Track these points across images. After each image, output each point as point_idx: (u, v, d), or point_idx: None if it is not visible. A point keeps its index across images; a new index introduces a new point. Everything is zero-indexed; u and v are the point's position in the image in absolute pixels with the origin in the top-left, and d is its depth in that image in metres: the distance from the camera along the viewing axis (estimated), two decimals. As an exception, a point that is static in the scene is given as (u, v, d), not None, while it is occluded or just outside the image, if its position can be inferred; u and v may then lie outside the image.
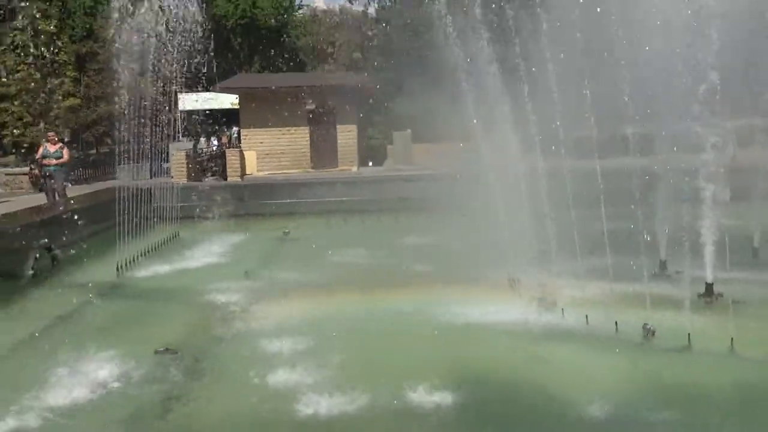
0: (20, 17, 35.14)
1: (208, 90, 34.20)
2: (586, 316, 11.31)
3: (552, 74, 14.93)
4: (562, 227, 15.03)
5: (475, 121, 16.01)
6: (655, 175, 13.78)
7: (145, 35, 22.00)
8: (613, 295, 12.19)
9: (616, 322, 10.81)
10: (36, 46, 35.75)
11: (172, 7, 22.81)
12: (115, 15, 23.02)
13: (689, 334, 9.90)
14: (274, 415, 8.55)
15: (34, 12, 35.33)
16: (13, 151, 36.99)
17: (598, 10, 13.23)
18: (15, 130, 35.72)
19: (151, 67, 22.21)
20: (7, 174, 29.41)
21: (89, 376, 9.79)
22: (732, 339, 9.60)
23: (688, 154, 12.82)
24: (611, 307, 11.44)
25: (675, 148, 13.42)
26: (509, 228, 15.33)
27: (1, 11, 33.85)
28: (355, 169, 34.40)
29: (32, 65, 36.04)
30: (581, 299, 12.01)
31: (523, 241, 15.05)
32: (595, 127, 14.20)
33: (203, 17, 26.28)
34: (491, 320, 11.99)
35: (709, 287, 11.93)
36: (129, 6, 22.50)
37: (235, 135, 35.54)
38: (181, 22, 23.42)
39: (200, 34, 25.06)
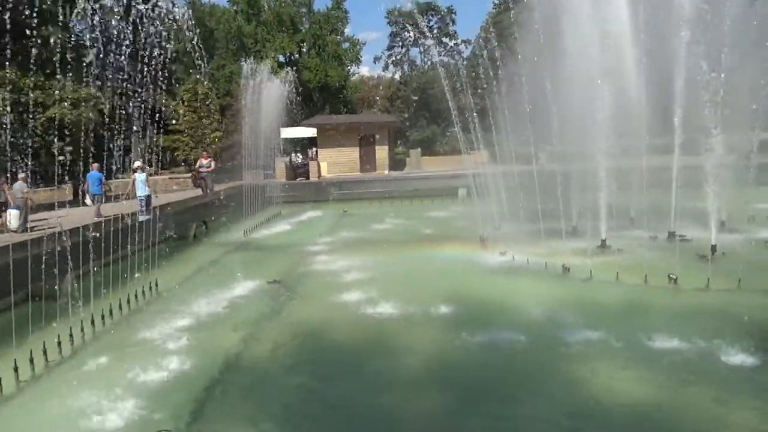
0: (186, 83, 35.49)
1: (298, 125, 34.39)
2: (527, 260, 11.25)
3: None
4: (514, 205, 15.02)
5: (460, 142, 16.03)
6: (576, 173, 13.54)
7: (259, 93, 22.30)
8: (545, 247, 12.14)
9: (545, 263, 10.76)
10: (196, 100, 36.06)
11: (275, 77, 23.05)
12: (243, 82, 23.41)
13: (591, 270, 9.86)
14: (342, 315, 8.78)
15: (194, 79, 35.76)
16: (183, 163, 37.42)
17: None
18: (184, 151, 36.25)
19: (263, 112, 22.46)
20: (179, 178, 29.80)
21: (229, 293, 10.05)
22: (617, 273, 9.54)
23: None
24: (543, 254, 11.39)
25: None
26: (481, 207, 15.34)
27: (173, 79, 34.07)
28: (386, 172, 34.35)
29: (193, 112, 36.40)
30: (524, 249, 11.91)
31: (488, 215, 15.06)
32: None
33: (296, 82, 26.52)
34: (470, 263, 11.95)
35: (603, 241, 11.82)
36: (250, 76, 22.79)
37: (315, 152, 35.65)
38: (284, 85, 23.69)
39: (294, 92, 25.33)
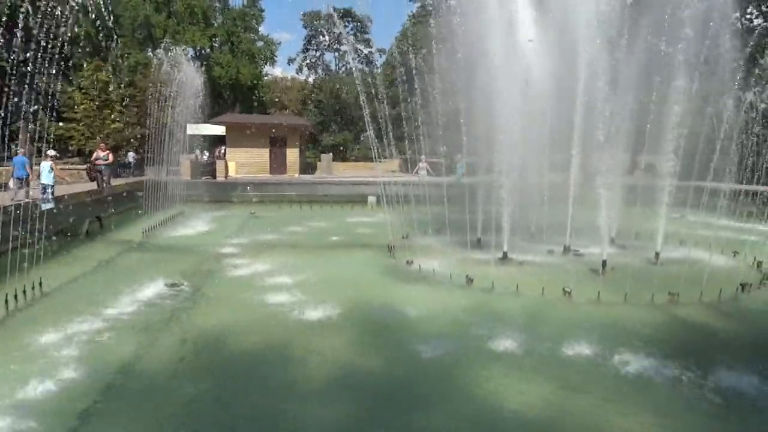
0: (84, 69, 33.26)
1: (206, 122, 33.16)
2: (433, 270, 11.41)
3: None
4: (422, 215, 15.27)
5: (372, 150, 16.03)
6: (482, 186, 13.92)
7: (167, 87, 21.24)
8: (450, 257, 12.40)
9: (450, 274, 10.97)
10: (95, 89, 33.86)
11: (184, 71, 22.07)
12: (153, 70, 22.21)
13: (493, 281, 10.16)
14: (246, 320, 8.35)
15: (95, 66, 33.58)
16: (77, 154, 35.03)
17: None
18: (79, 141, 33.82)
19: (170, 106, 21.39)
20: (73, 169, 27.75)
21: (124, 296, 9.38)
22: (517, 285, 9.90)
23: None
24: (448, 265, 11.60)
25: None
26: (390, 215, 15.44)
27: (71, 63, 31.78)
28: (297, 175, 33.93)
29: (91, 101, 34.11)
30: (430, 259, 12.11)
31: (396, 224, 15.18)
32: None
33: (205, 77, 25.53)
34: (377, 270, 11.97)
35: (505, 254, 12.24)
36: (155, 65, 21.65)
37: (223, 151, 34.54)
38: (191, 79, 22.68)
39: (202, 88, 24.36)
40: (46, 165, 17.12)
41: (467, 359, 6.87)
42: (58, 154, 17.20)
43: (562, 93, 12.77)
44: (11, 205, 11.96)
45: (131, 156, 33.55)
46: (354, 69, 36.42)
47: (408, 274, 11.52)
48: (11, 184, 17.23)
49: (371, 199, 23.93)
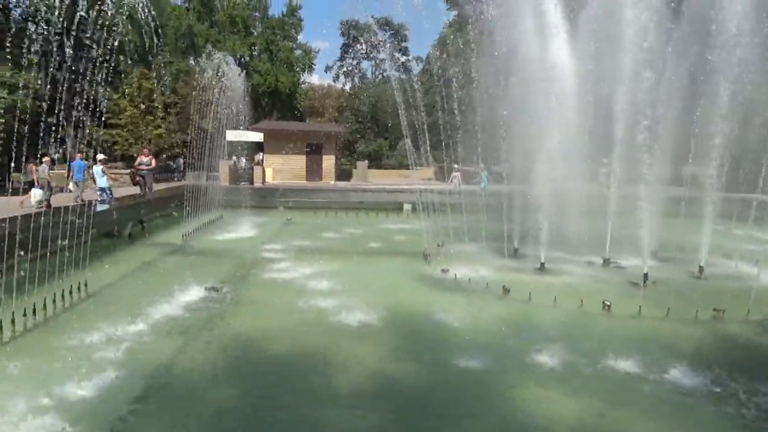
0: (131, 76, 34.31)
1: (244, 129, 33.76)
2: (468, 279, 11.33)
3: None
4: (458, 223, 15.17)
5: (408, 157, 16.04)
6: (519, 195, 13.77)
7: (207, 94, 21.68)
8: (486, 266, 12.29)
9: (486, 283, 10.86)
10: (139, 96, 34.87)
11: (225, 78, 22.49)
12: (197, 77, 22.76)
13: (530, 292, 10.01)
14: (282, 324, 8.42)
15: (140, 73, 34.59)
16: (121, 159, 36.09)
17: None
18: (123, 147, 34.83)
19: (210, 113, 21.82)
20: (116, 173, 28.56)
21: (163, 298, 9.55)
22: (555, 296, 9.74)
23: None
24: (484, 274, 11.50)
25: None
26: (426, 223, 15.40)
27: (118, 71, 32.74)
28: (332, 182, 34.18)
29: (136, 107, 35.12)
30: (466, 268, 12.02)
31: (432, 232, 15.12)
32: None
33: (245, 85, 25.97)
34: (412, 278, 11.93)
35: (542, 264, 12.07)
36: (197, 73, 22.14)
37: (261, 158, 35.06)
38: (231, 87, 23.10)
39: (242, 95, 24.78)
40: (98, 169, 18.13)
41: (505, 371, 6.78)
42: (107, 158, 18.16)
43: (602, 102, 12.55)
44: (60, 208, 12.37)
45: (180, 161, 34.64)
46: (391, 77, 36.56)
47: (443, 283, 11.46)
48: (71, 187, 18.27)
49: (407, 206, 23.91)
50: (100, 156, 19.26)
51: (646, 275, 11.07)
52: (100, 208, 15.79)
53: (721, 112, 11.49)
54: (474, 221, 13.88)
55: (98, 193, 17.98)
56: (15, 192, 16.76)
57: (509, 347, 7.56)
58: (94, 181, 18.58)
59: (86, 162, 18.99)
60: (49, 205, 14.33)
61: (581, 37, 13.07)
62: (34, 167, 16.34)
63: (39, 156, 16.73)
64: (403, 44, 58.31)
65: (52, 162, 19.43)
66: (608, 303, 9.26)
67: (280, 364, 7.06)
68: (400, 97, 16.42)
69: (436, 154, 18.96)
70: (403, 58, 54.53)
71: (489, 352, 7.37)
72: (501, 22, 12.96)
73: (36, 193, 15.58)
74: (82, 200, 16.28)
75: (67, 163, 21.77)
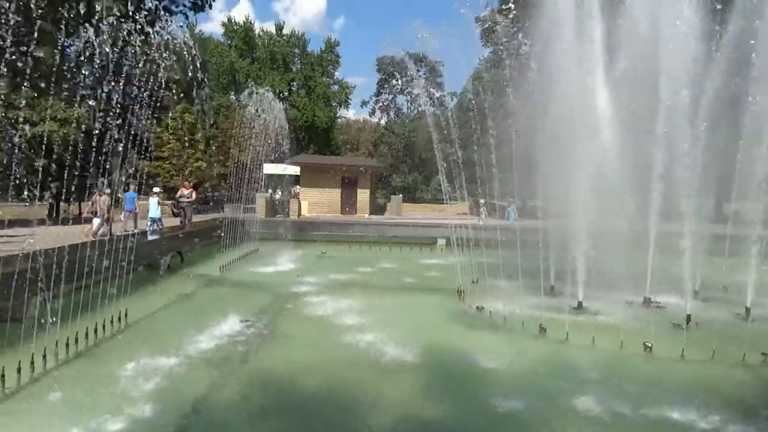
0: (174, 111, 35.53)
1: (282, 162, 34.46)
2: (504, 317, 11.14)
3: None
4: (493, 259, 14.99)
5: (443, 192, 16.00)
6: (555, 231, 13.57)
7: (247, 128, 22.28)
8: (522, 304, 12.07)
9: (522, 322, 10.66)
10: (181, 129, 36.02)
11: (265, 113, 23.11)
12: (239, 111, 23.46)
13: (567, 331, 9.78)
14: (317, 359, 8.40)
15: (182, 108, 35.77)
16: (163, 191, 37.23)
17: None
18: (164, 179, 35.88)
19: (249, 147, 22.38)
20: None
21: (200, 330, 9.67)
22: (593, 337, 9.48)
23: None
24: (520, 312, 11.29)
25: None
26: (460, 258, 15.28)
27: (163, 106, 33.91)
28: (367, 216, 34.36)
29: (178, 141, 36.27)
30: (501, 305, 11.83)
31: (466, 268, 14.99)
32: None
33: (284, 120, 26.59)
34: (447, 315, 11.83)
35: (580, 303, 11.80)
36: (238, 108, 22.79)
37: (297, 191, 35.59)
38: (270, 122, 23.68)
39: (281, 129, 25.35)
40: (153, 200, 19.30)
41: (543, 415, 6.58)
42: (161, 190, 19.24)
43: (641, 135, 12.39)
44: (103, 239, 12.76)
45: (223, 193, 35.63)
46: (426, 112, 36.91)
47: (478, 320, 11.31)
48: (122, 216, 19.07)
49: (440, 241, 23.84)
50: (156, 188, 20.58)
51: (689, 316, 10.70)
52: (151, 237, 17.05)
53: (765, 148, 11.20)
54: (509, 257, 13.69)
55: (149, 223, 18.89)
56: (65, 222, 17.51)
57: (547, 389, 7.36)
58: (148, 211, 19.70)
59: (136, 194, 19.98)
60: (110, 234, 15.82)
61: (620, 73, 12.99)
62: (98, 198, 17.51)
63: (100, 187, 17.99)
64: (438, 79, 58.97)
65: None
66: (649, 344, 8.97)
67: (313, 400, 7.02)
68: (434, 132, 16.54)
69: (471, 188, 18.90)
70: (438, 94, 55.10)
71: (526, 394, 7.18)
72: (537, 58, 12.99)
73: (96, 222, 16.96)
74: (132, 230, 17.36)
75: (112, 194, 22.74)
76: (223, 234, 19.79)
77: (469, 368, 8.28)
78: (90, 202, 18.88)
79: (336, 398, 7.05)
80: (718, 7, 13.18)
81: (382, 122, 63.67)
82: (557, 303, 11.99)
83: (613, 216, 13.50)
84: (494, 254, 14.83)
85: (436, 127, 17.18)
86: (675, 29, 11.60)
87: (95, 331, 9.08)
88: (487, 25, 35.23)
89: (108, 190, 17.97)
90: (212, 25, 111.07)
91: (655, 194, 12.09)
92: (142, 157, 20.57)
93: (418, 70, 57.10)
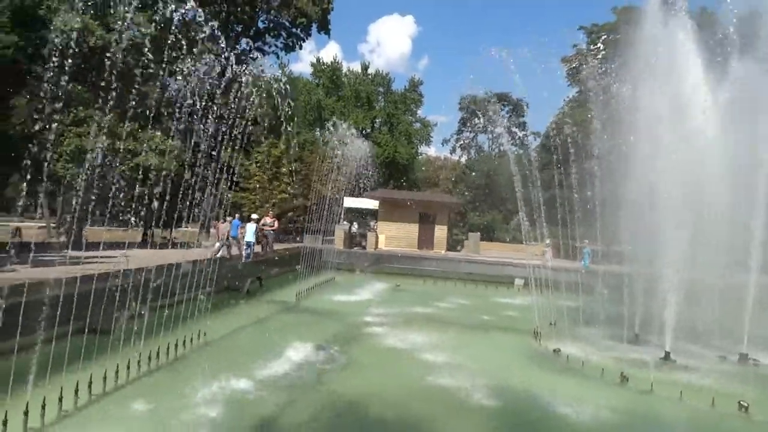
0: (262, 144, 37.12)
1: (361, 196, 35.10)
2: (582, 363, 10.62)
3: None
4: (572, 302, 14.43)
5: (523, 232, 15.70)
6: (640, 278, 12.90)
7: (330, 163, 23.01)
8: (602, 350, 11.49)
9: (602, 369, 10.10)
10: (267, 162, 37.53)
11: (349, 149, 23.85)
12: (327, 146, 24.42)
13: (652, 383, 9.16)
14: (388, 389, 8.37)
15: (270, 142, 37.31)
16: (245, 220, 38.82)
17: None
18: (250, 209, 37.43)
19: (331, 180, 23.03)
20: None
21: (274, 354, 9.90)
22: (681, 391, 8.82)
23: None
24: (599, 358, 10.75)
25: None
26: (538, 299, 14.79)
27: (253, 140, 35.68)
28: (443, 251, 34.15)
29: (264, 173, 37.79)
30: (579, 350, 11.31)
31: (544, 309, 14.46)
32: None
33: (368, 156, 27.32)
34: (523, 356, 11.46)
35: (667, 354, 11.05)
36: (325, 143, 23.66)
37: (375, 224, 36.01)
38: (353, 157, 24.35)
39: (364, 165, 26.02)
40: (252, 226, 20.66)
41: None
42: (258, 217, 22.07)
43: (741, 184, 11.65)
44: (190, 262, 13.42)
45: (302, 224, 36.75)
46: (508, 151, 36.53)
47: (554, 363, 10.85)
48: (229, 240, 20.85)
49: (518, 281, 23.23)
50: (254, 216, 22.14)
51: (792, 377, 9.76)
52: (244, 261, 18.97)
53: None
54: (590, 301, 13.13)
55: (245, 247, 20.15)
56: (160, 246, 18.77)
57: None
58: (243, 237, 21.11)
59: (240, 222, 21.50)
60: (229, 256, 18.62)
61: (722, 117, 12.33)
62: (220, 225, 20.10)
63: (221, 215, 20.34)
64: (521, 119, 58.45)
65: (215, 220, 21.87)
66: (745, 404, 8.22)
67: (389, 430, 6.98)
68: (516, 171, 16.32)
69: (552, 230, 18.39)
70: (520, 133, 54.48)
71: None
72: (632, 99, 12.64)
73: (217, 246, 19.45)
74: (230, 255, 19.57)
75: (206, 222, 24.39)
76: (297, 263, 20.41)
77: (542, 413, 7.94)
78: (214, 227, 21.57)
79: (409, 428, 6.96)
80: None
81: (463, 160, 63.68)
82: (641, 352, 11.30)
83: (707, 266, 12.66)
84: (574, 297, 14.28)
85: (518, 166, 16.96)
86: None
87: (175, 347, 9.48)
88: (573, 66, 34.74)
89: (230, 218, 20.14)
90: (301, 65, 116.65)
91: (755, 245, 11.27)
92: (231, 187, 21.70)
93: (501, 109, 56.92)
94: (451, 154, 65.94)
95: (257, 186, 38.77)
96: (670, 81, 12.20)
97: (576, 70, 32.27)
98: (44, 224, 31.56)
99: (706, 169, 11.80)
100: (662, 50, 12.31)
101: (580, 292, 14.07)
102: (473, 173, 56.06)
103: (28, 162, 7.67)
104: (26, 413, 6.03)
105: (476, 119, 57.84)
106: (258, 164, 39.16)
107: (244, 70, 12.70)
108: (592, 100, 14.84)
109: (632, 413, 8.11)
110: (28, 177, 8.62)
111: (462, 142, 64.94)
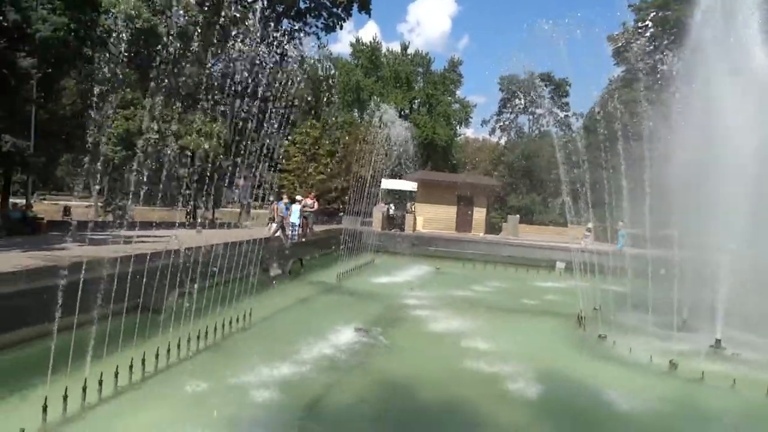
0: (299, 126, 37.37)
1: (400, 178, 34.97)
2: (629, 348, 10.40)
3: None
4: (617, 287, 14.14)
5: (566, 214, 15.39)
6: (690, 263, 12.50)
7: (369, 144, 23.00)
8: (649, 337, 11.22)
9: (650, 356, 9.87)
10: (306, 144, 37.81)
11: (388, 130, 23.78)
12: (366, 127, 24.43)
13: (703, 371, 8.90)
14: (428, 370, 8.44)
15: (309, 124, 37.52)
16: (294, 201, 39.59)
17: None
18: (289, 190, 37.84)
19: (370, 162, 23.04)
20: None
21: (315, 334, 10.02)
22: (734, 379, 8.56)
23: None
24: (646, 345, 10.49)
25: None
26: (581, 283, 14.53)
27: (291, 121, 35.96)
28: (482, 234, 33.86)
29: (303, 154, 38.08)
30: (625, 336, 11.07)
31: (588, 294, 14.19)
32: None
33: (408, 137, 27.16)
34: (566, 341, 11.32)
35: (718, 341, 10.73)
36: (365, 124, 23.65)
37: (413, 206, 35.93)
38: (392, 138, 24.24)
39: (403, 146, 25.89)
40: (297, 208, 21.28)
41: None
42: (301, 198, 22.52)
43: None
44: (234, 243, 13.63)
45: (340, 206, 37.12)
46: (552, 132, 35.82)
47: (600, 350, 10.67)
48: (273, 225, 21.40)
49: (560, 264, 22.85)
50: (298, 197, 22.72)
51: None
52: (291, 241, 19.58)
53: None
54: (636, 286, 12.79)
55: (291, 228, 20.74)
56: (205, 225, 19.24)
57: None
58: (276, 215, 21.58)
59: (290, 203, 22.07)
60: (287, 237, 19.55)
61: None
62: (275, 206, 20.80)
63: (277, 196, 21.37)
64: (564, 100, 57.04)
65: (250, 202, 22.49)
66: (803, 395, 7.94)
67: (427, 415, 7.00)
68: (558, 153, 15.95)
69: (595, 212, 17.88)
70: (562, 114, 53.28)
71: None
72: (684, 80, 12.15)
73: (274, 226, 20.08)
74: (285, 236, 20.13)
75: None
76: (337, 245, 20.56)
77: (588, 401, 7.82)
78: (269, 210, 22.23)
79: (450, 416, 6.97)
80: None
81: (502, 142, 62.70)
82: (691, 339, 10.99)
83: (760, 251, 12.17)
84: (620, 282, 13.96)
85: (560, 148, 16.58)
86: None
87: (222, 326, 9.70)
88: (620, 44, 33.56)
89: (286, 199, 21.17)
90: (340, 45, 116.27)
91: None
92: (272, 169, 21.94)
93: (543, 89, 55.62)
94: (490, 135, 64.98)
95: (296, 167, 39.15)
96: (733, 60, 11.66)
97: (624, 48, 31.18)
98: (92, 203, 32.59)
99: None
100: (722, 26, 11.75)
101: (627, 277, 13.72)
102: (511, 153, 55.16)
103: (78, 143, 7.86)
104: (84, 389, 6.26)
105: (517, 99, 56.78)
106: (296, 145, 39.49)
107: (287, 52, 12.74)
108: (641, 80, 14.31)
109: (682, 402, 7.92)
110: (79, 158, 8.85)
111: (502, 123, 63.87)
